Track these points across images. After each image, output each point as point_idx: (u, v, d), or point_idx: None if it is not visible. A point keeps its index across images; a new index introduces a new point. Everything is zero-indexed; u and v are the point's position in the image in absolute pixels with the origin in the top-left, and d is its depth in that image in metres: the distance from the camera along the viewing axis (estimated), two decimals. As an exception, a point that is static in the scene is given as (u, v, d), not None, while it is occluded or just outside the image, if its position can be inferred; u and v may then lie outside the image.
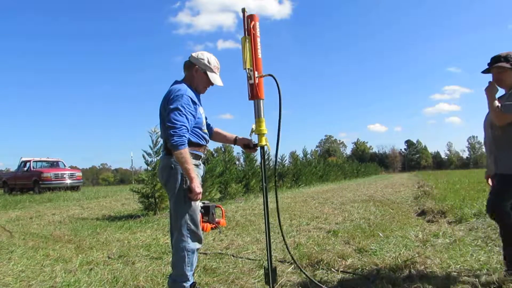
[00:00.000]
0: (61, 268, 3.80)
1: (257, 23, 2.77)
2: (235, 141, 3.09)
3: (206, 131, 2.84)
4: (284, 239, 2.93)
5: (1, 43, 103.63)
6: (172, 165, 2.62)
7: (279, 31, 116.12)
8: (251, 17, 2.76)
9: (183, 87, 2.65)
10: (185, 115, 2.54)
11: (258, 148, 2.85)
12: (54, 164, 20.84)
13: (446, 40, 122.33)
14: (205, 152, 2.85)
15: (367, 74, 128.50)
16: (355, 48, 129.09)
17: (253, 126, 2.79)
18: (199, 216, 2.71)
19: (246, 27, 2.76)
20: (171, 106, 2.54)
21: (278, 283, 2.92)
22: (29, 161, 19.76)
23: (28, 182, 18.90)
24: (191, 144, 2.63)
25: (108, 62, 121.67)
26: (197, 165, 2.71)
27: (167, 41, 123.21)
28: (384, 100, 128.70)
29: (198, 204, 2.70)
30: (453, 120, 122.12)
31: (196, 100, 2.68)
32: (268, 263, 2.75)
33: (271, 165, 16.79)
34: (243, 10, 2.78)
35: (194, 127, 2.68)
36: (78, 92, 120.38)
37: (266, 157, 2.83)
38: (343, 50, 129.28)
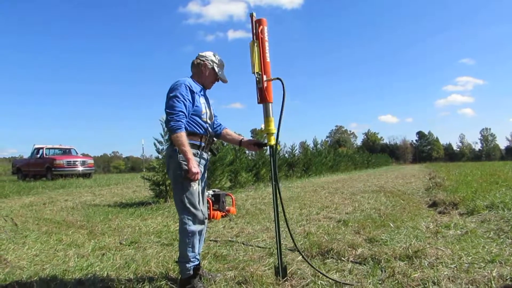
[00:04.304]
0: (74, 252, 3.88)
1: (265, 27, 2.83)
2: (240, 142, 3.16)
3: (207, 120, 2.87)
4: (292, 239, 2.93)
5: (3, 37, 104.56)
6: (170, 154, 2.76)
7: (290, 21, 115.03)
8: (259, 22, 2.82)
9: (185, 78, 2.80)
10: (183, 102, 2.67)
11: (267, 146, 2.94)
12: (66, 152, 21.19)
13: (459, 31, 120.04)
14: (205, 142, 2.85)
15: (379, 64, 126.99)
16: (368, 38, 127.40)
17: (262, 126, 2.87)
18: (197, 198, 2.75)
19: (254, 32, 2.82)
20: (170, 95, 2.70)
21: (288, 271, 2.93)
22: (42, 148, 20.11)
23: (41, 168, 19.26)
24: (187, 133, 2.67)
25: (119, 52, 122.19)
26: (194, 155, 2.73)
27: (177, 31, 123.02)
28: (396, 91, 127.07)
29: (196, 188, 2.73)
30: (466, 112, 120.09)
31: (195, 90, 2.77)
32: (278, 260, 2.80)
33: (281, 154, 16.88)
34: (251, 15, 2.83)
35: (192, 114, 2.76)
36: (90, 80, 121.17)
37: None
38: (355, 41, 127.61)
